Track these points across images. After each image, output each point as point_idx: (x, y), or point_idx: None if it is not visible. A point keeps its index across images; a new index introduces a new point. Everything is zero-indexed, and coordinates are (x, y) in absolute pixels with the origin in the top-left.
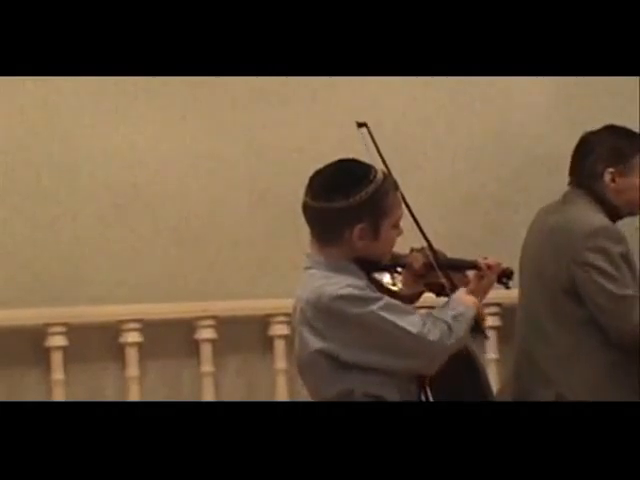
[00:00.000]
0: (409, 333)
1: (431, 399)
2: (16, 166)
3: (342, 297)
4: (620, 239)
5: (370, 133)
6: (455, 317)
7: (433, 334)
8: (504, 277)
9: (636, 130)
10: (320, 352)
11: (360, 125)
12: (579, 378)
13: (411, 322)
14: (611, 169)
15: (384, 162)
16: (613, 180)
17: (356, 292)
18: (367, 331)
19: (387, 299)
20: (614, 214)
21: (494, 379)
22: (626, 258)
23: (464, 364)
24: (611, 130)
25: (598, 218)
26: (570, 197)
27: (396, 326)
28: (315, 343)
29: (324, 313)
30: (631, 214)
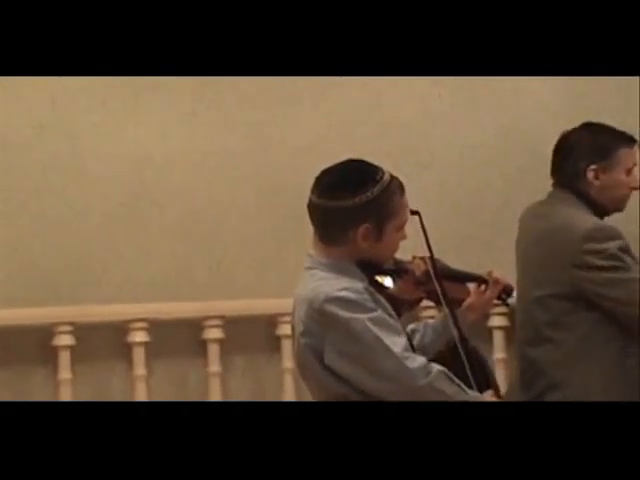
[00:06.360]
0: (389, 351)
1: None
2: (24, 164)
3: (336, 299)
4: (616, 236)
5: (421, 221)
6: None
7: (411, 362)
8: (504, 294)
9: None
10: (313, 353)
11: (413, 213)
12: (585, 380)
13: (395, 342)
14: (593, 166)
15: (430, 250)
16: (596, 177)
17: (351, 296)
18: (350, 338)
19: (380, 313)
20: (601, 212)
21: (501, 379)
22: (626, 250)
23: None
24: (590, 127)
25: (588, 219)
26: (555, 198)
27: (379, 341)
28: (308, 344)
29: (317, 314)
30: (617, 210)
